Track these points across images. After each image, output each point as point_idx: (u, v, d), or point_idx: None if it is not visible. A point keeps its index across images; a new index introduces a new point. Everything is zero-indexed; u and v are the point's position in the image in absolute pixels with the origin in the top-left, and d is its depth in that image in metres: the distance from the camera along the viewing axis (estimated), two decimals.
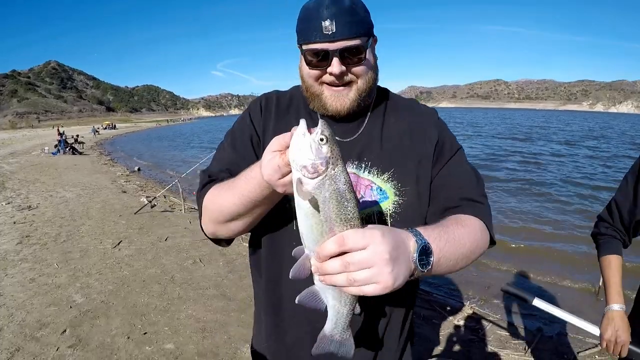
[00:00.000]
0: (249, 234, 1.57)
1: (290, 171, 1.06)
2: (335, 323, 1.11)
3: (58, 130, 37.86)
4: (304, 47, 1.36)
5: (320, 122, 1.02)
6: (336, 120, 1.47)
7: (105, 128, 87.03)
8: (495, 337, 5.15)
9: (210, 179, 1.46)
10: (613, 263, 2.16)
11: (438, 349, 4.85)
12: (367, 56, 1.36)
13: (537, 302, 2.49)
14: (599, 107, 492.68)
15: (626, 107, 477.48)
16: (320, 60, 1.34)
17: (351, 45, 1.30)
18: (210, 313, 5.19)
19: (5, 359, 4.14)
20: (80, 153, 30.71)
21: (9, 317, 4.99)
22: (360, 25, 1.32)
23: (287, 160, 1.04)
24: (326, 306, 1.11)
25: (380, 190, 1.41)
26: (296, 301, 1.09)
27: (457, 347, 4.92)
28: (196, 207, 8.19)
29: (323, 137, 0.99)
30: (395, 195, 1.41)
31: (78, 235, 8.31)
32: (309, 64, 1.38)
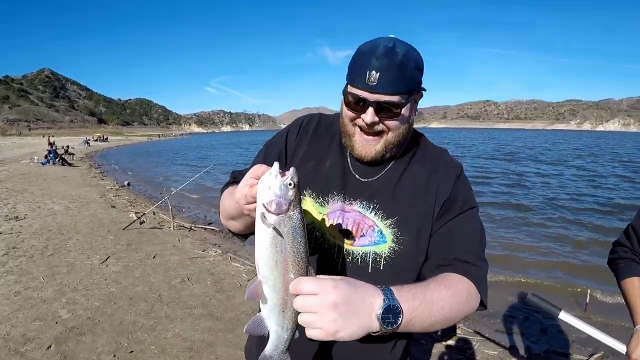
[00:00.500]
0: None
1: (254, 201, 1.19)
2: (276, 346, 1.23)
3: (49, 140, 37.73)
4: (349, 87, 1.41)
5: (292, 169, 1.15)
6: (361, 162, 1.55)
7: (97, 140, 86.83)
8: (483, 357, 5.18)
9: (233, 180, 1.62)
10: (636, 284, 2.18)
11: None
12: (402, 112, 1.39)
13: (564, 316, 2.52)
14: (587, 126, 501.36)
15: (613, 125, 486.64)
16: (358, 105, 1.38)
17: (388, 101, 1.34)
18: (198, 332, 5.19)
19: None
20: (70, 164, 30.58)
21: None
22: (403, 84, 1.35)
23: (254, 192, 1.18)
24: (267, 331, 1.23)
25: (381, 233, 1.46)
26: (244, 331, 1.25)
27: None
28: (185, 225, 8.30)
29: (292, 182, 1.13)
30: (393, 242, 1.45)
31: (65, 249, 8.28)
32: (347, 104, 1.43)
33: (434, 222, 1.47)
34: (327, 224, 1.51)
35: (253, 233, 1.27)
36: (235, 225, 1.55)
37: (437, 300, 1.23)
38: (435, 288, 1.26)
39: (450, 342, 5.52)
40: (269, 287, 1.17)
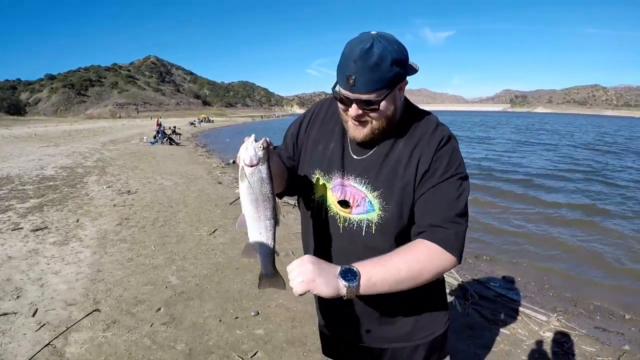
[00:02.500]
0: None
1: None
2: (265, 264, 1.64)
3: (157, 121, 39.34)
4: (337, 87, 1.67)
5: (264, 138, 1.58)
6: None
7: (202, 121, 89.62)
8: (580, 352, 4.94)
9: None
10: None
11: (522, 359, 4.72)
12: (380, 106, 1.62)
13: None
14: None
15: None
16: (344, 102, 1.66)
17: (365, 99, 1.59)
18: (301, 304, 5.24)
19: (101, 330, 4.38)
20: (178, 144, 31.90)
21: (107, 291, 5.29)
22: (378, 82, 1.56)
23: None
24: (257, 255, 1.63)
25: (371, 203, 1.75)
26: (240, 255, 1.79)
27: (539, 359, 4.78)
28: (289, 202, 8.41)
29: (263, 146, 1.55)
30: (380, 210, 1.74)
31: (175, 221, 8.66)
32: (338, 100, 1.70)
33: (415, 191, 1.70)
34: (332, 197, 1.84)
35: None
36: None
37: (395, 263, 1.53)
38: (394, 254, 1.58)
39: (546, 333, 5.32)
40: (249, 217, 1.59)
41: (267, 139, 1.58)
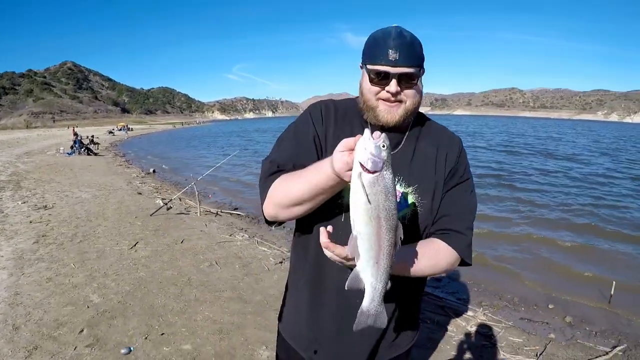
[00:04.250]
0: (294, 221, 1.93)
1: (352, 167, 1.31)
2: (372, 298, 1.37)
3: (73, 130, 38.05)
4: (369, 67, 1.66)
5: (383, 135, 1.28)
6: (383, 128, 1.73)
7: (120, 129, 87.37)
8: (508, 344, 5.20)
9: (278, 168, 1.75)
10: None
11: (451, 354, 4.88)
12: (417, 82, 1.68)
13: None
14: (614, 117, 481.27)
15: None
16: (381, 79, 1.64)
17: (408, 72, 1.62)
18: (227, 315, 5.22)
19: (23, 357, 4.18)
20: (96, 154, 30.88)
21: (27, 315, 5.04)
22: (416, 58, 1.65)
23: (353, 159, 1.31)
24: (364, 285, 1.36)
25: (405, 199, 1.75)
26: (346, 287, 1.36)
27: (469, 353, 4.96)
28: (212, 210, 8.33)
29: (385, 144, 1.26)
30: (415, 205, 1.76)
31: (94, 236, 8.38)
32: (371, 81, 1.67)
33: (444, 185, 1.79)
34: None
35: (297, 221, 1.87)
36: (300, 209, 1.68)
37: (407, 258, 1.61)
38: (415, 247, 1.66)
39: (473, 328, 5.51)
40: (364, 241, 1.29)
41: (384, 134, 1.29)
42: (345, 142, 1.35)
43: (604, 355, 5.14)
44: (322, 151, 1.80)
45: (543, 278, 7.81)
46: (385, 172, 1.26)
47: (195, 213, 11.17)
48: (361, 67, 1.75)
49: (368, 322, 1.40)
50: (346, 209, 1.59)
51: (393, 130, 1.75)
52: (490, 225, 11.40)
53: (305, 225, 1.88)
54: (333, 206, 1.72)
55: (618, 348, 5.30)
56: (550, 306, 6.58)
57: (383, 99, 1.68)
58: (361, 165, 1.25)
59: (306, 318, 1.94)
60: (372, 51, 1.65)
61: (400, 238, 1.34)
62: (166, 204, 11.26)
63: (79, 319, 4.96)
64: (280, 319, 2.14)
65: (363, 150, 1.25)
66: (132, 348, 4.42)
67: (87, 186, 14.86)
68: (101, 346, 4.40)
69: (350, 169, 1.32)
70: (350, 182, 1.34)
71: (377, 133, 1.28)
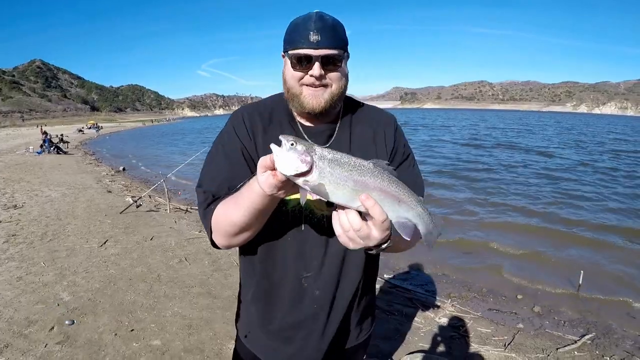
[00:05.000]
0: None
1: (285, 181, 1.23)
2: (424, 221, 1.32)
3: (41, 129, 37.45)
4: (291, 52, 1.61)
5: (281, 136, 1.19)
6: (312, 120, 1.75)
7: (90, 128, 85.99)
8: (476, 334, 5.28)
9: (214, 197, 1.66)
10: None
11: (419, 345, 4.96)
12: (342, 65, 1.64)
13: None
14: (583, 108, 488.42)
15: (609, 109, 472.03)
16: (304, 64, 1.59)
17: (331, 54, 1.58)
18: (196, 311, 5.28)
19: None
20: (65, 152, 30.46)
21: None
22: (339, 40, 1.61)
23: (281, 177, 1.21)
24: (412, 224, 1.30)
25: None
26: (407, 238, 1.29)
27: (438, 344, 5.04)
28: (181, 207, 8.30)
29: (291, 142, 1.17)
30: None
31: (64, 235, 8.34)
32: (293, 66, 1.62)
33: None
34: (312, 201, 1.67)
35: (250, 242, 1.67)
36: (250, 234, 1.61)
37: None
38: None
39: (442, 319, 5.63)
40: (376, 200, 1.21)
41: (283, 135, 1.21)
42: (262, 164, 1.25)
43: (572, 344, 5.22)
44: (255, 164, 1.53)
45: (512, 268, 7.92)
46: (316, 155, 1.19)
47: (165, 210, 11.17)
48: (283, 56, 1.69)
49: (435, 236, 1.36)
50: (293, 214, 1.68)
51: (324, 122, 1.75)
52: (455, 212, 11.67)
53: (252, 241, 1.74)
54: (276, 219, 1.64)
55: (587, 337, 5.41)
56: (519, 296, 6.70)
57: (307, 85, 1.63)
58: (296, 175, 1.18)
59: (261, 329, 1.87)
60: (293, 36, 1.61)
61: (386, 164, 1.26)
62: (136, 201, 11.22)
63: (49, 317, 4.97)
64: (237, 329, 2.04)
65: (285, 165, 1.17)
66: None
67: (56, 185, 14.70)
68: (71, 343, 4.43)
69: (281, 188, 1.27)
70: (287, 196, 1.34)
71: (281, 139, 1.20)
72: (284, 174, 1.19)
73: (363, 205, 1.21)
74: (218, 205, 1.61)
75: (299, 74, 1.62)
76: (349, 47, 1.70)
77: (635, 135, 54.74)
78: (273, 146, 1.20)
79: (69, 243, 7.80)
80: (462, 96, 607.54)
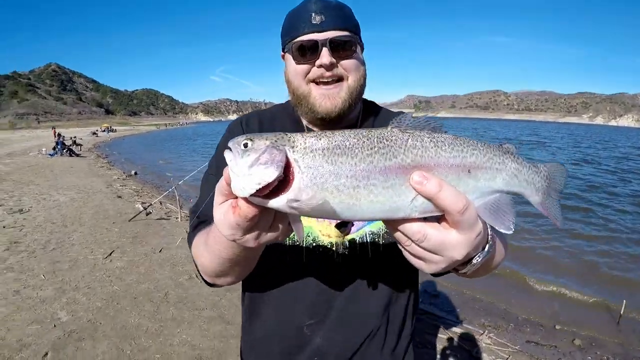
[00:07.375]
0: None
1: (253, 216, 0.78)
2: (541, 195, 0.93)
3: (54, 131, 37.37)
4: (291, 43, 1.31)
5: (234, 138, 0.78)
6: (325, 128, 1.36)
7: (104, 131, 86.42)
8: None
9: (199, 220, 1.37)
10: None
11: None
12: (356, 50, 1.31)
13: None
14: (599, 120, 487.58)
15: (626, 121, 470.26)
16: (308, 52, 1.28)
17: (341, 36, 1.27)
18: (207, 339, 4.71)
19: None
20: (78, 155, 30.36)
21: None
22: (347, 19, 1.31)
23: (245, 209, 0.77)
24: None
25: None
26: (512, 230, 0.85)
27: None
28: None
29: (245, 140, 0.76)
30: None
31: (68, 243, 7.85)
32: (296, 58, 1.31)
33: None
34: (316, 225, 1.35)
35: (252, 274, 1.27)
36: (230, 279, 1.27)
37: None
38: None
39: (481, 353, 5.13)
40: (400, 197, 0.75)
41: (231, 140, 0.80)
42: (219, 189, 0.83)
43: None
44: None
45: (546, 292, 7.37)
46: (296, 152, 0.75)
47: (176, 218, 10.64)
48: (283, 57, 1.41)
49: (554, 200, 0.96)
50: (292, 246, 1.34)
51: (341, 127, 1.34)
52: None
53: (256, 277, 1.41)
54: (275, 251, 1.30)
55: None
56: (557, 326, 6.10)
57: (316, 81, 1.29)
58: (267, 195, 0.73)
59: None
60: (292, 24, 1.33)
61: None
62: (145, 208, 10.72)
63: (44, 340, 4.47)
64: None
65: (242, 179, 0.73)
66: None
67: (66, 189, 14.28)
68: None
69: (252, 229, 0.82)
70: (260, 244, 0.87)
71: (230, 144, 0.78)
72: (244, 198, 0.75)
73: (419, 192, 0.73)
74: (195, 237, 1.29)
75: (304, 67, 1.29)
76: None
77: None
78: (226, 153, 0.77)
79: (72, 253, 7.29)
80: (476, 105, 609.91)
